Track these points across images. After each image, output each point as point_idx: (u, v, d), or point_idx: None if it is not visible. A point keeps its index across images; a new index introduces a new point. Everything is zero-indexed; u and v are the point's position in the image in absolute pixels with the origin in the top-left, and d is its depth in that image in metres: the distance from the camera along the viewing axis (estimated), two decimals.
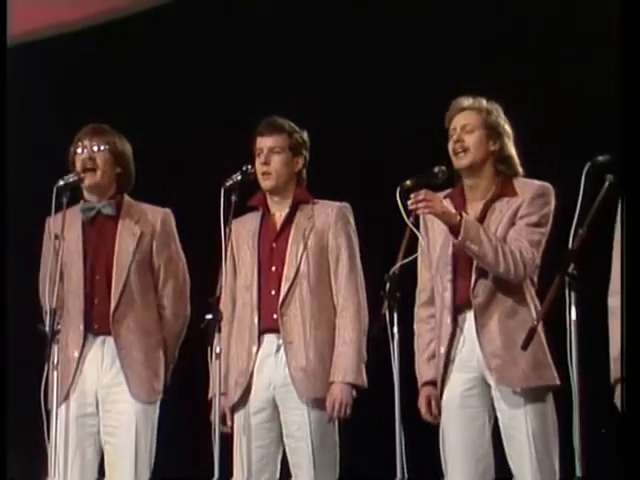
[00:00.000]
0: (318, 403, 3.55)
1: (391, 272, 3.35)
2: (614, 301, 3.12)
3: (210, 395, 3.61)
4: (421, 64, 5.07)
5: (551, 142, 4.61)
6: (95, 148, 3.75)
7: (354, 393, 3.59)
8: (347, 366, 3.55)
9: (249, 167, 3.59)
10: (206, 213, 4.00)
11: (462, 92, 3.86)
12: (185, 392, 4.06)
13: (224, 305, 3.57)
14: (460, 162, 3.44)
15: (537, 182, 3.51)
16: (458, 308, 3.42)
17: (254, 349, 3.58)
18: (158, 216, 3.82)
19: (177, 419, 4.09)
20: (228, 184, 3.51)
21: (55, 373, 3.50)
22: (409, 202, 3.32)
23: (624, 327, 2.75)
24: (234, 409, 3.59)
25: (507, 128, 3.55)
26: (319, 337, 3.58)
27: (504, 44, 4.99)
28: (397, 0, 5.28)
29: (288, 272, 3.60)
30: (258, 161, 3.63)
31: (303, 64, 5.15)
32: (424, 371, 3.49)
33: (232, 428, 3.60)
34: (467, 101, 3.53)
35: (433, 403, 3.45)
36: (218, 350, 3.39)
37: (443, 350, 3.40)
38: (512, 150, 3.55)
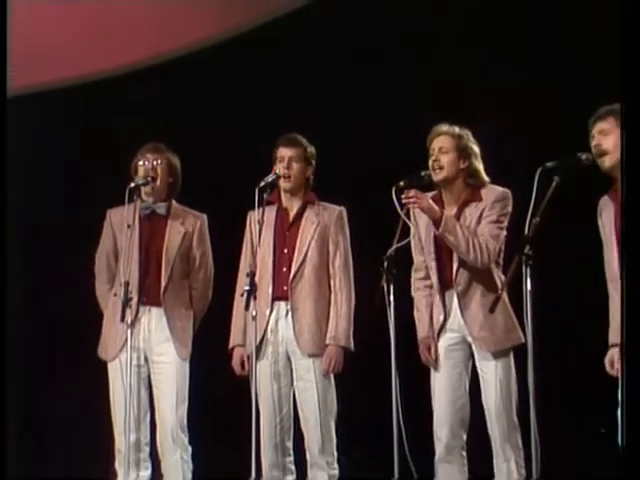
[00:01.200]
0: (318, 356, 4.31)
1: (388, 253, 4.08)
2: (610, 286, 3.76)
3: (230, 345, 4.40)
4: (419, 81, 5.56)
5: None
6: (155, 162, 4.47)
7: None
8: (341, 333, 4.30)
9: (277, 172, 4.29)
10: (228, 213, 4.77)
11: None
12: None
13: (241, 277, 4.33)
14: (437, 177, 4.11)
15: (499, 189, 4.17)
16: (444, 287, 4.13)
17: (267, 312, 4.31)
18: (198, 220, 4.59)
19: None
20: (262, 185, 4.19)
21: (129, 331, 4.26)
22: (402, 197, 4.01)
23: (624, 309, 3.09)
24: (255, 359, 4.30)
25: (475, 149, 4.21)
26: (318, 308, 4.32)
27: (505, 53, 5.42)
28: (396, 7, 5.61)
29: (298, 255, 4.32)
30: (280, 166, 4.31)
31: (313, 89, 5.65)
32: (426, 327, 4.21)
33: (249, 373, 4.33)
34: (444, 127, 4.19)
35: (432, 350, 4.16)
36: (254, 313, 4.13)
37: (441, 318, 4.12)
38: (479, 166, 4.20)
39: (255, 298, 4.16)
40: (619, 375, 3.67)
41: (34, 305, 6.00)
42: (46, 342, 5.98)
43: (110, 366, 4.44)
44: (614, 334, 3.70)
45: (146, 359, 4.48)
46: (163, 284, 4.45)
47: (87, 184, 5.72)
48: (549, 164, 3.80)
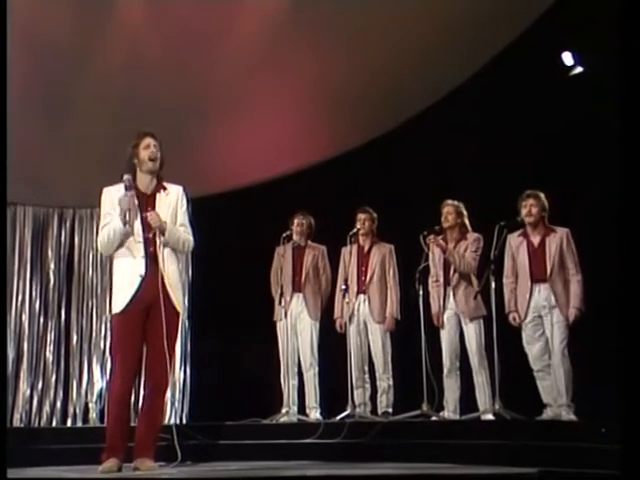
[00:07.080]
0: (382, 322, 7.27)
1: (419, 269, 7.09)
2: (505, 280, 6.52)
3: (335, 316, 7.42)
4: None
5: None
6: (296, 221, 7.48)
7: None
8: (394, 309, 7.29)
9: (357, 227, 7.27)
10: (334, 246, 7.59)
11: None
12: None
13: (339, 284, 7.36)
14: (444, 225, 6.94)
15: (476, 234, 6.85)
16: (446, 284, 6.90)
17: (354, 300, 7.31)
18: (321, 248, 7.57)
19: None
20: (351, 233, 7.24)
21: (283, 310, 7.37)
22: (427, 240, 6.96)
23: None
24: (348, 324, 7.21)
25: (464, 212, 6.90)
26: (382, 298, 7.33)
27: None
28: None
29: (370, 271, 7.36)
30: (358, 224, 7.32)
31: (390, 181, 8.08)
32: (437, 306, 6.92)
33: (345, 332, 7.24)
34: (449, 201, 6.93)
35: (440, 319, 6.88)
36: (347, 300, 7.22)
37: (441, 302, 6.91)
38: (466, 221, 6.92)
39: (347, 292, 7.23)
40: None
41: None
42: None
43: (278, 325, 7.49)
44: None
45: (295, 320, 7.45)
46: (302, 280, 7.48)
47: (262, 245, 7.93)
48: (502, 223, 6.50)
